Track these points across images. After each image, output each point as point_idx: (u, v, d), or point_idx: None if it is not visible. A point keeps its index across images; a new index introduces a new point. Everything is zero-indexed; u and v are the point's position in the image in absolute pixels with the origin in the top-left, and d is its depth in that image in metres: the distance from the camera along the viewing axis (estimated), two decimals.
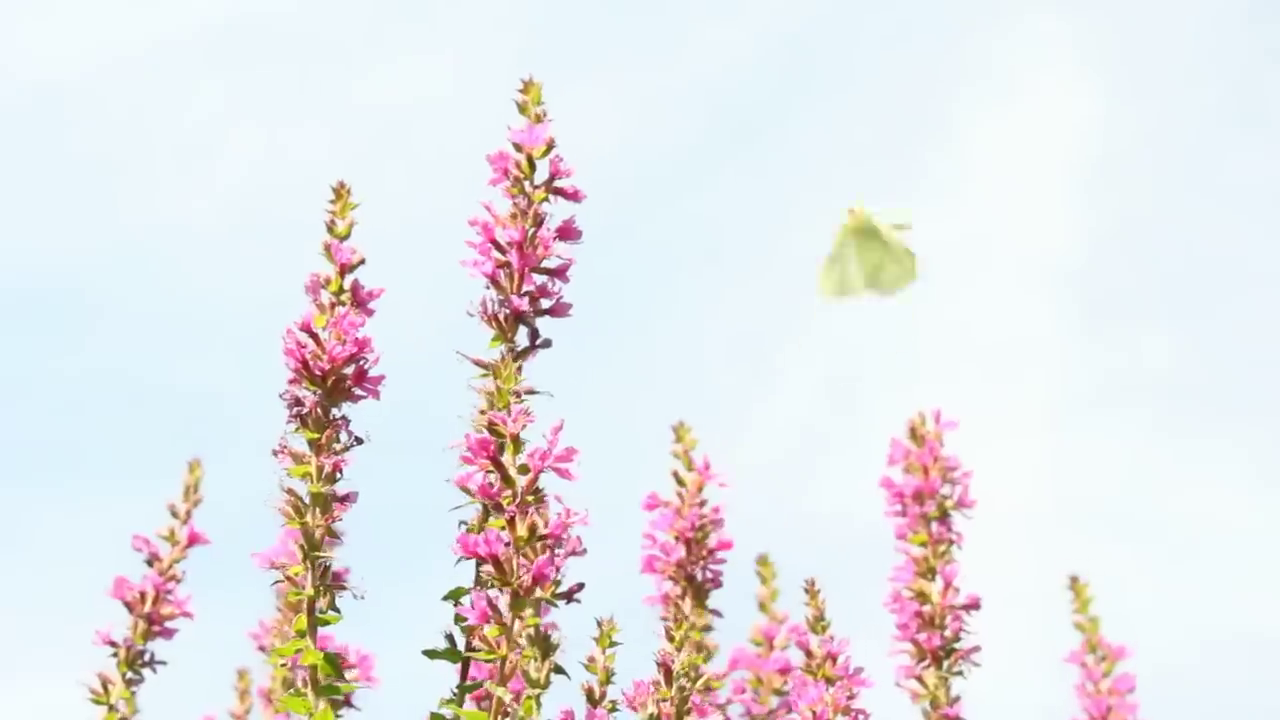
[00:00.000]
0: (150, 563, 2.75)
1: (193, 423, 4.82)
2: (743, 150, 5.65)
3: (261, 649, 3.17)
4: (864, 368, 5.09)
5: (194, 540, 2.78)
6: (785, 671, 3.05)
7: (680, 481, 2.94)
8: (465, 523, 2.19)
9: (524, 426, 2.14)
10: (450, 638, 2.23)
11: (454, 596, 2.21)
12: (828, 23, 5.75)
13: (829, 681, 2.30)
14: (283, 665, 2.21)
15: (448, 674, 2.24)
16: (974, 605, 2.81)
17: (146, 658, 2.71)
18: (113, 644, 2.70)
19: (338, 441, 2.21)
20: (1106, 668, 3.28)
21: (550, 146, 2.30)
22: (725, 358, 5.26)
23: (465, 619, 2.16)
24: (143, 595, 2.73)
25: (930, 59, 5.73)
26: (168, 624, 2.73)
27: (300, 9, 5.81)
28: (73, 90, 5.57)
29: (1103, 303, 5.46)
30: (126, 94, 5.60)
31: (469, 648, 2.20)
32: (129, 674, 2.69)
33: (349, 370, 2.21)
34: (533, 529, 2.11)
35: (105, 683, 2.68)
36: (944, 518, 2.86)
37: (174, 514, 2.79)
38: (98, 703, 2.66)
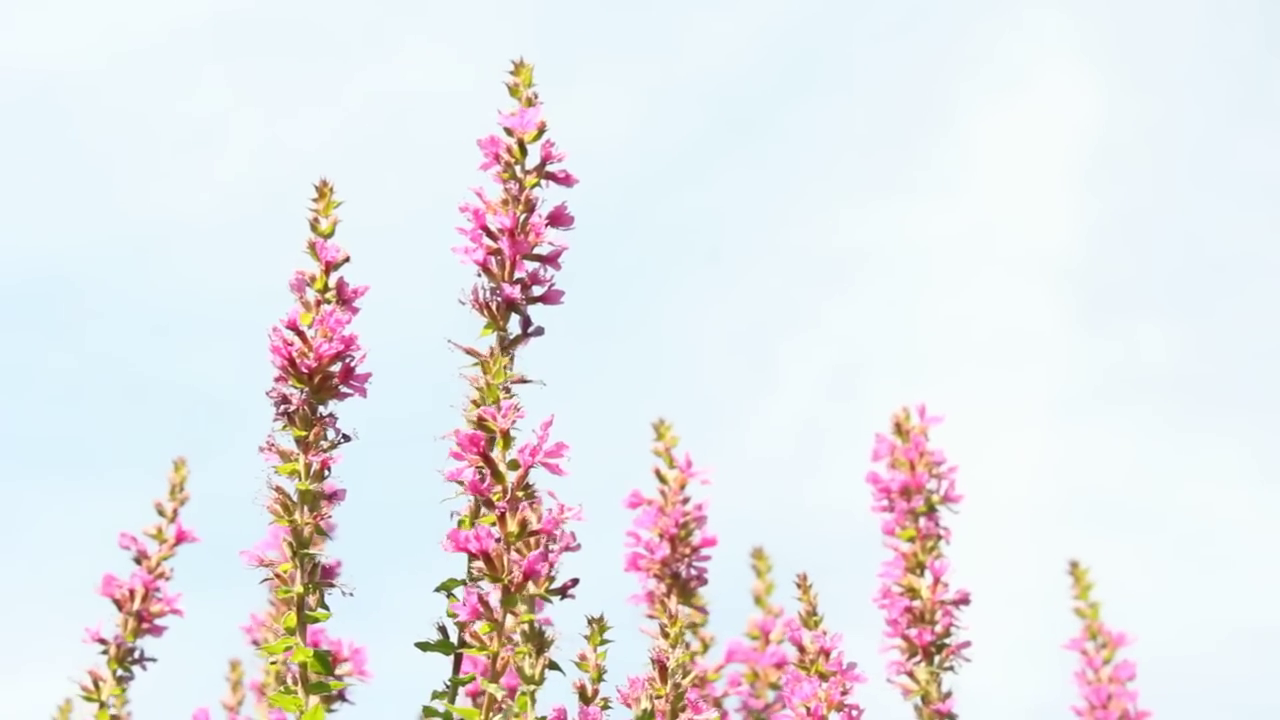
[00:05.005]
0: (138, 560, 2.75)
1: (191, 418, 4.82)
2: (744, 143, 5.64)
3: (254, 643, 3.16)
4: (865, 362, 5.08)
5: (182, 538, 2.77)
6: (782, 665, 3.05)
7: (662, 479, 2.92)
8: (457, 513, 2.18)
9: (514, 422, 2.12)
10: (443, 629, 2.22)
11: (446, 588, 2.20)
12: (830, 17, 5.75)
13: (822, 677, 2.29)
14: (274, 662, 2.21)
15: (441, 667, 2.23)
16: (964, 600, 2.80)
17: (136, 655, 2.71)
18: (103, 641, 2.71)
19: (325, 439, 2.21)
20: (1107, 655, 3.27)
21: (542, 131, 2.27)
22: (726, 352, 5.26)
23: (457, 615, 2.15)
24: (132, 593, 2.73)
25: (932, 52, 5.72)
26: (157, 621, 2.73)
27: (303, 1, 5.81)
28: (73, 83, 5.57)
29: (1103, 296, 5.45)
30: (127, 87, 5.60)
31: (461, 642, 2.19)
32: (119, 671, 2.69)
33: (335, 368, 2.22)
34: (523, 525, 2.10)
35: (96, 680, 2.68)
36: (931, 512, 2.84)
37: (160, 512, 2.78)
38: (89, 699, 2.66)
